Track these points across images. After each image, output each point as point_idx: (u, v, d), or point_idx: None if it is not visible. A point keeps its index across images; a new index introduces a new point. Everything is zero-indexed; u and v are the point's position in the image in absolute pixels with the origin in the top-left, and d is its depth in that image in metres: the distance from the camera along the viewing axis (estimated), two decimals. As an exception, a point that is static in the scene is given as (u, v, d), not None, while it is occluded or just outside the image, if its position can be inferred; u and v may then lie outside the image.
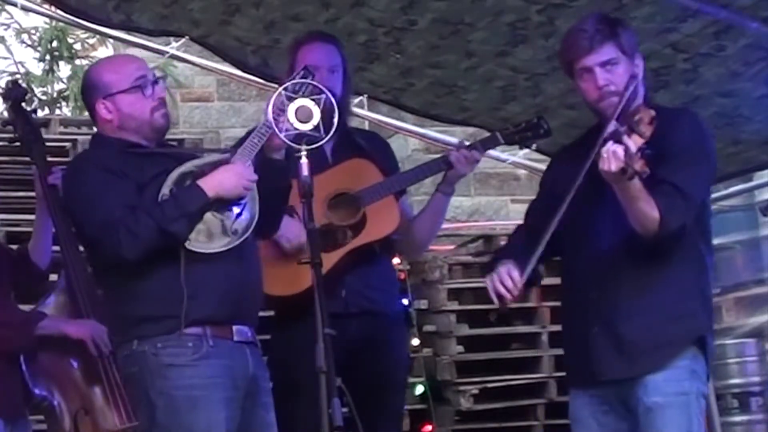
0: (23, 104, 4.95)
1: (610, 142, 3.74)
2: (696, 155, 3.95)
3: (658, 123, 3.86)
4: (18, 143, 4.92)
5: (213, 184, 4.04)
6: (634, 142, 3.74)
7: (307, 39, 4.86)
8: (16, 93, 4.93)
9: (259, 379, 4.16)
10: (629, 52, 4.02)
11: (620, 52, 4.00)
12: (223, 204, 4.06)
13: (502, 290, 3.92)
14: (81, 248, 4.54)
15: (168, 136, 4.45)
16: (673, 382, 3.90)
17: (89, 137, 6.70)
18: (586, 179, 3.87)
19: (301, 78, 4.03)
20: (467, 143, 4.86)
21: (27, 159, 5.03)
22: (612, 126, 3.84)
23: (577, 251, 4.08)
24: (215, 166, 4.10)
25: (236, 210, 4.07)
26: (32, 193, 4.94)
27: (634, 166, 3.69)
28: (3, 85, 5.82)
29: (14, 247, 5.11)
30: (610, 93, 3.97)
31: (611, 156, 3.71)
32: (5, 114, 5.11)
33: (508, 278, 3.92)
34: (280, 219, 4.35)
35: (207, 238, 4.03)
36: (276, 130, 3.89)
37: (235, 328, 4.08)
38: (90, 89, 4.27)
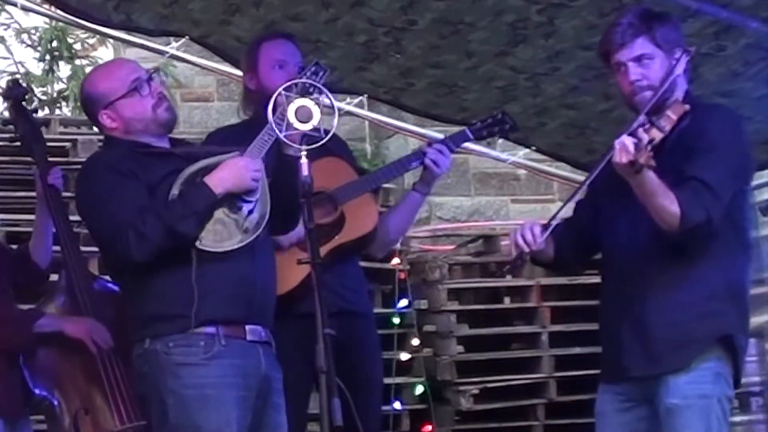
0: (24, 103, 4.95)
1: (624, 135, 3.72)
2: (724, 151, 3.90)
3: (691, 119, 3.85)
4: (18, 143, 4.92)
5: (218, 180, 4.03)
6: (649, 136, 3.71)
7: (269, 35, 4.88)
8: (16, 92, 4.93)
9: (272, 380, 4.14)
10: (666, 46, 3.96)
11: (655, 46, 3.95)
12: (233, 201, 4.05)
13: (521, 241, 3.97)
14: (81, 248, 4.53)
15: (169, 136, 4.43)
16: (695, 385, 3.88)
17: (89, 137, 6.76)
18: (616, 177, 3.84)
19: (313, 74, 4.05)
20: (439, 138, 4.88)
21: (27, 159, 5.03)
22: (639, 120, 3.81)
23: (611, 248, 4.08)
24: None
25: (247, 208, 4.07)
26: (32, 193, 4.94)
27: (641, 159, 3.65)
28: (3, 85, 5.82)
29: (14, 246, 5.10)
30: (642, 88, 3.94)
31: (621, 149, 3.70)
32: (6, 113, 5.11)
33: (529, 231, 3.97)
34: (297, 215, 4.33)
35: (218, 237, 4.02)
36: (276, 129, 3.88)
37: (248, 327, 4.07)
38: (89, 103, 4.27)
